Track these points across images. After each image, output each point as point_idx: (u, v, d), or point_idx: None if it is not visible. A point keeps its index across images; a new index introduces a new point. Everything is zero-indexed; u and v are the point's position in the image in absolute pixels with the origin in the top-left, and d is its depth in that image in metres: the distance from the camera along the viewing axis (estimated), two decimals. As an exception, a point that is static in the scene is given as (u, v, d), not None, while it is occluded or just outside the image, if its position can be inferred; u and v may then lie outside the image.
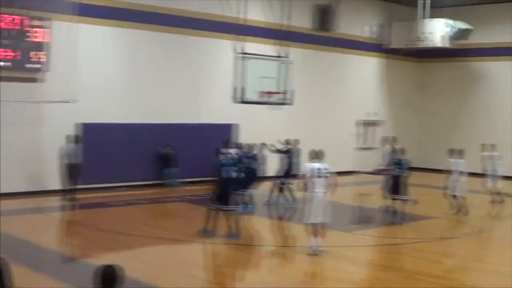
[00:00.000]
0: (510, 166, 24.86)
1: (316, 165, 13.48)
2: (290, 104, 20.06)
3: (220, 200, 14.54)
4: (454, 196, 18.92)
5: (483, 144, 22.23)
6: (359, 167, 30.02)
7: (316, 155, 13.68)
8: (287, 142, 20.26)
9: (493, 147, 22.11)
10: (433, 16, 28.65)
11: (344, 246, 14.96)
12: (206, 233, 14.66)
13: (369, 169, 30.00)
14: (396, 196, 17.74)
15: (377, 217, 19.80)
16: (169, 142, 22.49)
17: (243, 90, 18.76)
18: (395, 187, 17.73)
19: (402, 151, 18.66)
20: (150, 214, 18.62)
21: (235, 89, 18.80)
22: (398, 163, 17.89)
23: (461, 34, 28.78)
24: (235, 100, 18.96)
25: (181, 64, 23.39)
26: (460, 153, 19.17)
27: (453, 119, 31.84)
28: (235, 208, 15.08)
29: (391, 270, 12.99)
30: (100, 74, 21.34)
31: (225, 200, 14.53)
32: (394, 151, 19.92)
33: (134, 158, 21.92)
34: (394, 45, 30.78)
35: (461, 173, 18.87)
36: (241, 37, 19.16)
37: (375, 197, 22.16)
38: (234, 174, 14.79)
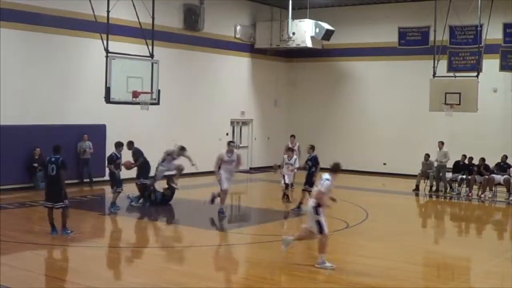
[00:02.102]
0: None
1: None
2: (156, 104, 19.71)
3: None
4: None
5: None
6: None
7: None
8: None
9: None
10: (297, 17, 29.09)
11: (219, 245, 14.78)
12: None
13: (243, 168, 30.18)
14: None
15: (250, 215, 19.91)
16: (38, 144, 21.60)
17: (109, 90, 18.24)
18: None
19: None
20: (20, 218, 17.67)
21: (106, 89, 18.24)
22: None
23: (325, 34, 29.36)
24: (107, 100, 18.41)
25: (48, 63, 22.54)
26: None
27: (320, 116, 32.48)
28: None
29: (269, 267, 12.87)
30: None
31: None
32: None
33: (2, 161, 20.93)
34: (260, 45, 31.04)
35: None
36: (107, 36, 18.61)
37: (248, 196, 22.31)
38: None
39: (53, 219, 14.69)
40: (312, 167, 18.89)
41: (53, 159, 14.47)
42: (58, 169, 14.36)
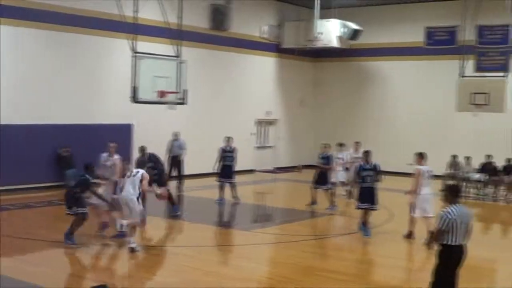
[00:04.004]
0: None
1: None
2: (184, 103, 19.81)
3: None
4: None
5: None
6: (259, 165, 30.18)
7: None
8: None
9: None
10: (324, 17, 29.05)
11: (245, 245, 14.87)
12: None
13: (268, 168, 30.27)
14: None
15: (277, 215, 19.98)
16: (66, 143, 21.83)
17: (137, 90, 18.38)
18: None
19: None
20: (48, 216, 17.89)
21: (132, 89, 18.38)
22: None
23: (353, 34, 29.31)
24: (133, 100, 18.54)
25: (75, 63, 22.70)
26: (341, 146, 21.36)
27: (347, 117, 32.46)
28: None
29: (293, 267, 12.95)
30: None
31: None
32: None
33: (31, 159, 21.17)
34: (287, 45, 31.06)
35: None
36: (135, 36, 18.76)
37: (274, 195, 22.33)
38: None
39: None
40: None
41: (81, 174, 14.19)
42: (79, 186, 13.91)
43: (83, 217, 13.85)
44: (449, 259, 9.09)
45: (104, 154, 16.23)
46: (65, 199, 14.15)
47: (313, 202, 19.85)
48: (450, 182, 9.90)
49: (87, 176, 13.99)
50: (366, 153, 16.22)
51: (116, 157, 16.03)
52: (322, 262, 13.51)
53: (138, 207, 13.66)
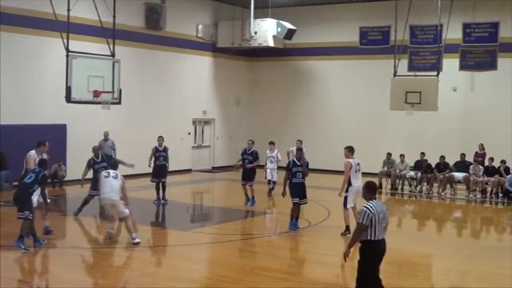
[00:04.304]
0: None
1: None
2: (118, 103, 19.52)
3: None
4: None
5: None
6: (196, 165, 30.11)
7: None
8: None
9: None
10: (259, 16, 29.13)
11: (182, 245, 14.76)
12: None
13: (206, 167, 30.21)
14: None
15: (214, 214, 19.94)
16: (-1, 144, 21.28)
17: (71, 90, 18.03)
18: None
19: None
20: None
21: (66, 89, 18.02)
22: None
23: (287, 34, 29.45)
24: (67, 100, 18.18)
25: (8, 63, 22.16)
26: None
27: (282, 115, 32.61)
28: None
29: (231, 266, 12.92)
30: None
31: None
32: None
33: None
34: (222, 44, 31.05)
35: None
36: (68, 35, 18.39)
37: (211, 194, 22.25)
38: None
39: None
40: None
41: (36, 170, 13.81)
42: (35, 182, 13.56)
43: (32, 220, 13.49)
44: (373, 254, 9.27)
45: (32, 152, 15.35)
46: (16, 201, 13.64)
47: (248, 199, 20.14)
48: (370, 180, 9.94)
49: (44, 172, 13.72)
50: (299, 151, 16.91)
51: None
52: (259, 260, 13.50)
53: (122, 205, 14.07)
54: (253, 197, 20.13)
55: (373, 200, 9.35)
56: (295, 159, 16.48)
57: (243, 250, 14.34)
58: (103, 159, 17.99)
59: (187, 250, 14.31)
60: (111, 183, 14.11)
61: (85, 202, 17.74)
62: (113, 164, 15.44)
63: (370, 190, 9.52)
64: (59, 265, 12.92)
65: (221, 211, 20.37)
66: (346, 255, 9.47)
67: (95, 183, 17.19)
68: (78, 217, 17.40)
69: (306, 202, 16.51)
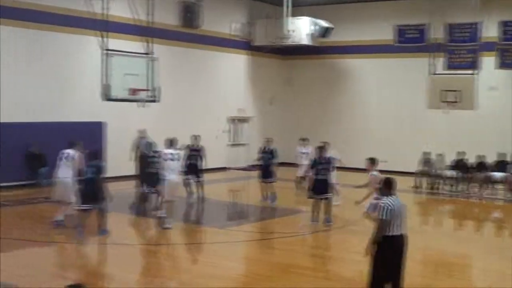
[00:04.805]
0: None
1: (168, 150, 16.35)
2: (156, 101, 19.65)
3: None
4: None
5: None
6: (231, 163, 30.13)
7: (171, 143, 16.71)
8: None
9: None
10: (294, 14, 29.08)
11: (219, 243, 14.79)
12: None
13: (241, 165, 30.20)
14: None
15: (250, 212, 19.93)
16: (36, 141, 21.56)
17: (108, 88, 18.18)
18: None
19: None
20: (20, 216, 17.61)
21: (103, 87, 18.18)
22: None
23: (323, 32, 29.37)
24: (105, 98, 18.35)
25: (46, 61, 22.48)
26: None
27: (316, 114, 32.51)
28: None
29: (267, 264, 12.91)
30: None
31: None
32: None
33: (1, 158, 20.86)
34: (258, 42, 31.06)
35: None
36: (105, 33, 18.57)
37: (247, 192, 22.28)
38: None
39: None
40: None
41: (93, 163, 14.56)
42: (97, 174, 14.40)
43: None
44: (390, 249, 9.29)
45: (67, 151, 15.79)
46: (85, 194, 14.32)
47: (265, 197, 20.31)
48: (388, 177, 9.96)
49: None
50: (320, 148, 17.27)
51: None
52: (295, 258, 13.43)
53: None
54: (273, 194, 20.09)
55: (392, 196, 9.45)
56: (317, 157, 16.86)
57: (279, 249, 14.32)
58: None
59: (223, 248, 14.34)
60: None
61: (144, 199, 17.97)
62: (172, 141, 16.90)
63: (388, 186, 9.65)
64: (99, 261, 13.07)
65: (256, 209, 20.35)
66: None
67: (149, 179, 17.00)
68: (120, 214, 17.44)
69: (327, 198, 16.68)
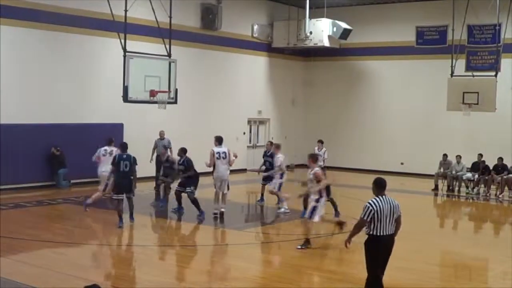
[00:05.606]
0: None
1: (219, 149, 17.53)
2: (174, 103, 19.70)
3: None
4: None
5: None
6: (251, 165, 30.12)
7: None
8: None
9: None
10: (314, 16, 29.08)
11: (237, 244, 14.83)
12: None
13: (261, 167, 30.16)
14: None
15: (268, 214, 19.94)
16: (57, 143, 21.86)
17: (128, 89, 18.28)
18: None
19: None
20: (39, 216, 17.78)
21: (123, 88, 18.27)
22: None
23: (343, 34, 29.34)
24: (125, 99, 18.46)
25: (66, 63, 22.70)
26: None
27: (337, 116, 32.47)
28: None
29: (285, 266, 12.95)
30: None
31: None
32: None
33: (21, 159, 21.13)
34: (278, 44, 31.09)
35: None
36: (126, 35, 18.65)
37: (266, 194, 22.12)
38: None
39: (122, 211, 15.82)
40: None
41: (124, 156, 15.98)
42: (131, 165, 15.89)
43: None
44: (374, 248, 9.44)
45: (104, 148, 18.52)
46: (123, 186, 15.94)
47: (260, 199, 20.62)
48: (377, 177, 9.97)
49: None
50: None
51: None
52: (313, 261, 13.43)
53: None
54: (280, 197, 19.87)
55: (381, 196, 9.46)
56: None
57: (298, 251, 14.31)
58: (167, 160, 19.60)
59: (242, 250, 14.38)
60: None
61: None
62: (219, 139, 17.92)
63: (378, 186, 9.64)
64: (117, 262, 13.15)
65: (275, 211, 20.34)
66: (347, 242, 9.78)
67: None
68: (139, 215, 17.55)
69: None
